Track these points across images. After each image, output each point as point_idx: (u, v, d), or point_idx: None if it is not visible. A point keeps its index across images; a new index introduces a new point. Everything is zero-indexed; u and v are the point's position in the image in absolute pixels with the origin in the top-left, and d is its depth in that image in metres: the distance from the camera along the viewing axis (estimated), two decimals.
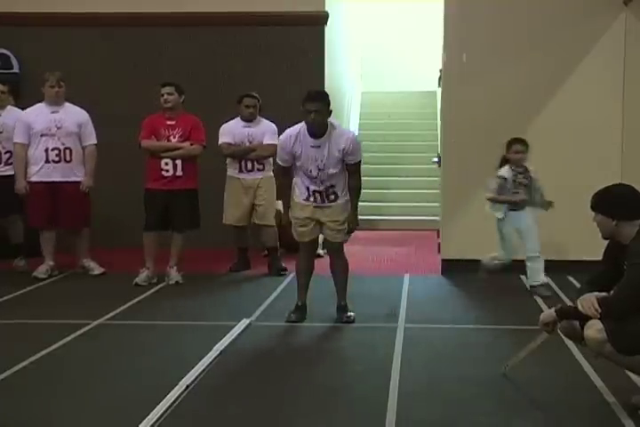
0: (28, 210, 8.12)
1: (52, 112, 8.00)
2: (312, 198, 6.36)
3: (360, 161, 6.40)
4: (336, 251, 6.53)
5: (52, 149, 7.95)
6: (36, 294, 7.49)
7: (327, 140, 6.22)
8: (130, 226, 8.82)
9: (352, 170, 6.38)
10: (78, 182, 8.06)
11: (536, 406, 4.68)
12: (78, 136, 8.07)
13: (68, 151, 8.00)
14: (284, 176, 6.53)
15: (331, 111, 6.30)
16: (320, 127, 6.21)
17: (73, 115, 8.08)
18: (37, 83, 8.93)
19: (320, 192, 6.33)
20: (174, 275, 7.84)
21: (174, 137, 7.78)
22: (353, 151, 6.27)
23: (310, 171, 6.26)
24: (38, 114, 8.00)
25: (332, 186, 6.32)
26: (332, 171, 6.25)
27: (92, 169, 8.12)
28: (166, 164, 7.74)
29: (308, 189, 6.34)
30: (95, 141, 8.15)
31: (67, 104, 8.11)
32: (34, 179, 7.98)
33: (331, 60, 10.18)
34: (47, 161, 7.96)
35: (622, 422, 4.33)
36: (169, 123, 7.78)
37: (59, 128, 7.97)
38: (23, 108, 8.43)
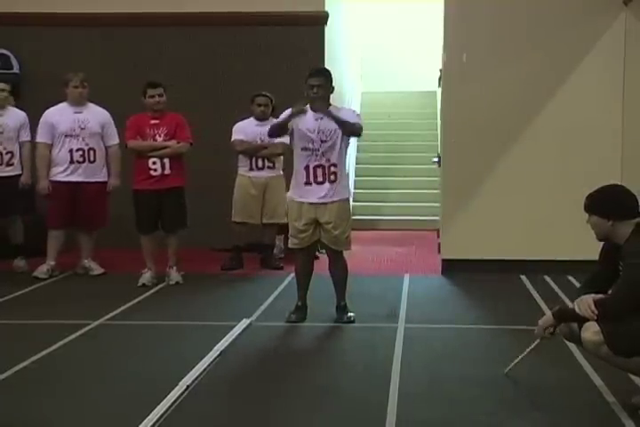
0: (48, 210, 8.13)
1: (76, 112, 8.03)
2: (312, 178, 6.28)
3: (360, 124, 6.38)
4: (335, 253, 6.50)
5: (77, 150, 7.98)
6: (36, 294, 7.49)
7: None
8: (130, 226, 8.81)
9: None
10: (101, 183, 8.11)
11: (536, 406, 4.67)
12: (101, 136, 8.11)
13: (92, 152, 8.03)
14: None
15: (333, 88, 6.40)
16: (322, 102, 6.28)
17: (96, 115, 8.11)
18: (37, 83, 8.97)
19: (323, 167, 6.29)
20: (174, 275, 7.84)
21: (159, 136, 7.74)
22: (352, 118, 6.35)
23: (312, 142, 6.27)
24: (62, 114, 8.02)
25: (334, 164, 6.30)
26: (334, 145, 6.27)
27: (117, 169, 8.16)
28: (154, 163, 7.70)
29: (307, 168, 6.29)
30: (118, 141, 8.18)
31: (89, 104, 8.15)
32: (57, 179, 8.00)
33: (331, 60, 10.17)
34: (72, 162, 7.98)
35: (622, 422, 4.33)
36: (153, 122, 7.76)
37: (82, 129, 8.00)
38: (23, 109, 8.44)
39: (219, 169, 8.80)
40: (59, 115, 8.03)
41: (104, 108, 8.27)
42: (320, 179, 6.30)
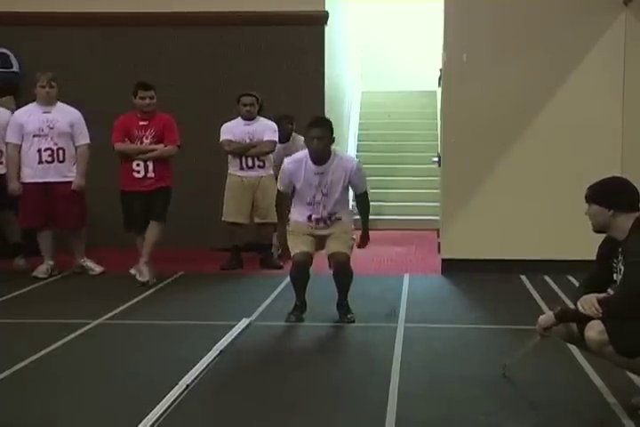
0: (20, 210, 8.10)
1: (44, 112, 7.97)
2: (314, 224, 6.39)
3: (366, 190, 6.54)
4: (342, 264, 6.43)
5: (45, 150, 7.93)
6: (35, 294, 7.49)
7: (330, 166, 6.29)
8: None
9: (361, 198, 6.57)
10: (72, 182, 8.05)
11: (536, 406, 4.67)
12: (71, 136, 8.04)
13: (60, 151, 7.98)
14: (284, 200, 6.60)
15: (334, 138, 6.38)
16: (323, 153, 6.28)
17: (65, 115, 8.04)
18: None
19: (323, 219, 6.39)
20: (146, 272, 7.70)
21: (147, 138, 7.73)
22: (359, 181, 6.40)
23: (314, 197, 6.30)
24: (30, 114, 7.98)
25: (335, 213, 6.38)
26: (335, 196, 6.32)
27: (83, 169, 8.06)
28: (137, 165, 7.70)
29: (310, 217, 6.38)
30: (88, 141, 8.11)
31: (59, 104, 8.08)
32: (27, 180, 7.96)
33: (331, 60, 10.17)
34: (40, 162, 7.93)
35: (622, 422, 4.32)
36: (142, 123, 7.74)
37: (51, 128, 7.95)
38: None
39: (217, 169, 8.79)
40: (27, 115, 7.99)
41: (104, 108, 8.27)
42: (321, 225, 6.40)
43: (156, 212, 7.80)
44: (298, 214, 6.46)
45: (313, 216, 6.38)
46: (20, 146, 7.96)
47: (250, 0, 9.65)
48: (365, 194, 6.56)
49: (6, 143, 8.03)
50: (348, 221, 6.52)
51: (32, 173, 7.95)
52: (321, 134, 6.22)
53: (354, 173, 6.35)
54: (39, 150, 7.93)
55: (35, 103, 8.07)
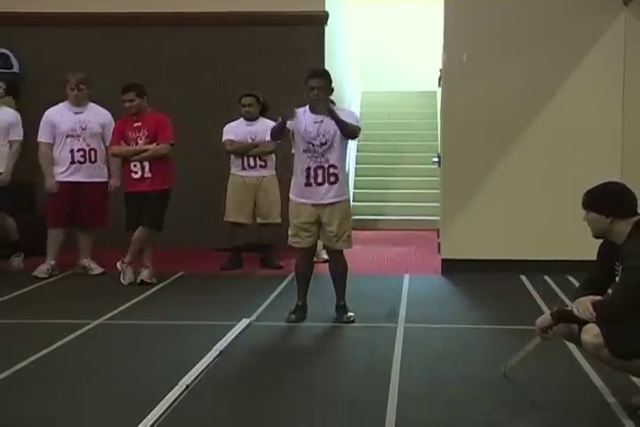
0: (48, 210, 8.15)
1: (76, 113, 8.04)
2: (313, 179, 6.30)
3: (359, 126, 6.42)
4: (335, 253, 6.51)
5: (78, 150, 8.01)
6: (35, 294, 7.49)
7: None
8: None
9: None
10: (101, 183, 8.11)
11: (536, 406, 4.67)
12: (102, 137, 8.11)
13: (92, 152, 8.05)
14: None
15: (333, 89, 6.41)
16: (323, 104, 6.27)
17: (97, 116, 8.12)
18: (37, 82, 8.97)
19: (322, 168, 6.30)
20: (129, 274, 7.75)
21: (141, 138, 7.75)
22: (351, 118, 6.38)
23: (312, 144, 6.27)
24: (63, 114, 8.03)
25: (334, 166, 6.31)
26: (334, 146, 6.28)
27: (118, 170, 8.12)
28: (134, 166, 7.73)
29: (308, 169, 6.29)
30: None
31: (91, 104, 8.15)
32: (58, 179, 8.01)
33: (331, 60, 10.17)
34: (73, 162, 8.01)
35: (622, 422, 4.32)
36: (135, 125, 7.76)
37: (83, 129, 8.02)
38: (23, 108, 8.42)
39: (218, 169, 8.80)
40: (59, 115, 8.03)
41: (104, 108, 8.27)
42: (320, 180, 6.31)
43: (146, 216, 7.77)
44: (297, 180, 6.38)
45: (313, 166, 6.28)
46: (52, 145, 8.00)
47: (250, 0, 9.65)
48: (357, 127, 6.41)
49: (39, 142, 8.05)
50: (345, 196, 6.43)
51: (64, 172, 8.01)
52: (320, 84, 6.27)
53: (350, 116, 6.40)
54: (72, 151, 8.00)
55: (66, 103, 8.11)
